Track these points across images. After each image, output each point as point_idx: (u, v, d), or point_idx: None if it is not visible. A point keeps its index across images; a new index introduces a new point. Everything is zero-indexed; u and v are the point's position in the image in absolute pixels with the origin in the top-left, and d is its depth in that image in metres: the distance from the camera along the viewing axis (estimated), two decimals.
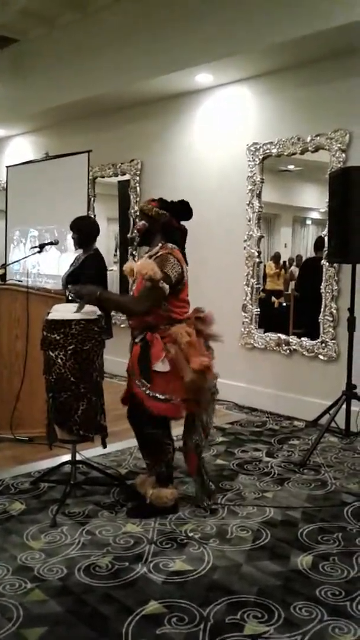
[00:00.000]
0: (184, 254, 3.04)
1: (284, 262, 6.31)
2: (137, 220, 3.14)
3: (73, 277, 4.14)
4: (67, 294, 3.99)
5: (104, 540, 2.70)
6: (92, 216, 6.57)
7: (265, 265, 5.73)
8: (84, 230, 4.22)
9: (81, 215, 4.41)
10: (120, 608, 2.18)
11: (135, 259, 5.99)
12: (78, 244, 4.26)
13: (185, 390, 2.84)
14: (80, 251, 4.33)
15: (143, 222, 3.05)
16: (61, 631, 2.06)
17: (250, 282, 5.21)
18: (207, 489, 3.06)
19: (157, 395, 2.84)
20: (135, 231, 3.13)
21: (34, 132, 7.59)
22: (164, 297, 2.87)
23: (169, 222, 3.02)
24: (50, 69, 6.30)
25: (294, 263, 6.40)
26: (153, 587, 2.32)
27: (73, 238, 4.28)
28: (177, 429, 3.15)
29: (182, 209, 3.06)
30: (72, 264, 4.37)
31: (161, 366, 2.83)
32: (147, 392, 2.85)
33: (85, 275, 3.99)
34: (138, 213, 3.13)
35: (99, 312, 3.03)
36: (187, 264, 3.04)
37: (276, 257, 6.36)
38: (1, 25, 6.11)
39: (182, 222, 3.10)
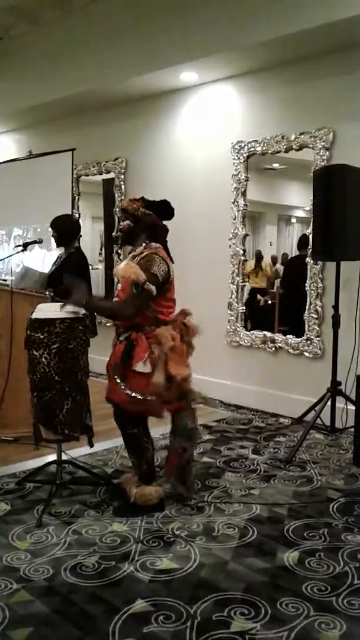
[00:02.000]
0: (168, 252, 3.04)
1: (258, 259, 6.27)
2: (120, 218, 3.11)
3: (55, 276, 4.12)
4: (47, 293, 3.96)
5: (91, 540, 2.69)
6: (77, 214, 6.54)
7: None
8: (62, 229, 4.20)
9: (61, 214, 4.38)
10: (107, 607, 2.18)
11: (121, 258, 5.98)
12: (58, 242, 4.25)
13: (151, 388, 2.83)
14: (63, 250, 4.31)
15: (128, 222, 3.02)
16: (47, 631, 2.05)
17: (235, 280, 5.22)
18: (189, 489, 3.07)
19: (136, 395, 2.83)
20: (119, 230, 3.11)
21: (17, 130, 7.53)
22: (151, 298, 2.86)
23: (154, 222, 3.01)
24: (33, 66, 6.25)
25: (279, 261, 6.40)
26: (140, 586, 2.32)
27: (53, 237, 4.27)
28: (163, 428, 3.15)
29: (165, 209, 3.05)
30: (54, 262, 4.34)
31: (142, 367, 2.82)
32: (126, 391, 2.84)
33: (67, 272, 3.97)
34: (120, 212, 3.10)
35: (84, 311, 3.01)
36: (172, 262, 3.03)
37: (256, 255, 6.35)
38: None
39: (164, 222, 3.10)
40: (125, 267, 2.90)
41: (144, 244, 3.00)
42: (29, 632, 2.03)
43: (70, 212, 5.89)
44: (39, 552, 2.57)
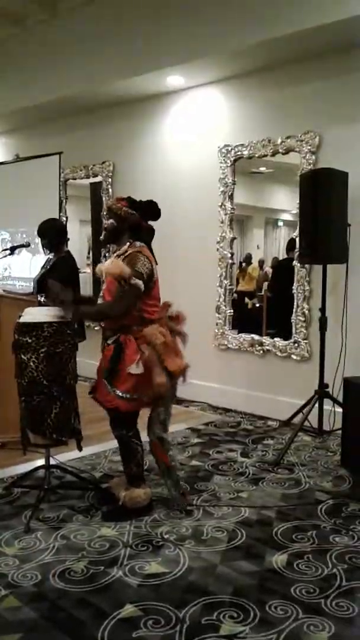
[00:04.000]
0: (152, 253, 3.04)
1: (241, 262, 6.29)
2: (105, 218, 3.12)
3: (44, 280, 4.10)
4: (39, 298, 3.95)
5: (79, 545, 2.68)
6: (65, 218, 6.52)
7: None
8: (49, 234, 4.17)
9: (46, 219, 4.33)
10: (96, 612, 2.17)
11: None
12: (47, 248, 4.22)
13: (153, 390, 2.85)
14: (52, 254, 4.29)
15: (112, 221, 3.03)
16: (36, 637, 2.04)
17: (223, 283, 5.23)
18: (179, 488, 3.07)
19: (126, 395, 2.84)
20: (103, 229, 3.11)
21: (4, 133, 7.50)
22: (139, 294, 2.86)
23: (137, 222, 3.01)
24: (20, 69, 6.23)
25: (267, 264, 6.42)
26: (129, 591, 2.31)
27: (43, 245, 4.23)
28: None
29: (151, 209, 3.05)
30: (43, 266, 4.32)
31: (135, 369, 2.82)
32: (117, 392, 2.85)
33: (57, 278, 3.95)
34: (106, 211, 3.11)
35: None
36: (156, 263, 3.04)
37: (245, 259, 6.37)
38: None
39: (150, 222, 3.10)
40: (111, 263, 2.91)
41: (128, 243, 3.01)
42: (18, 638, 2.02)
43: (57, 216, 5.88)
44: (27, 557, 2.56)
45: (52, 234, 4.18)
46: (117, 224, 3.02)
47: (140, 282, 2.83)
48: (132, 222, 3.00)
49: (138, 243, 2.99)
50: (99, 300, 3.07)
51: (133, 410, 2.94)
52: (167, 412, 3.05)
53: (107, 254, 6.14)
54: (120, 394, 2.84)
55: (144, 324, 2.92)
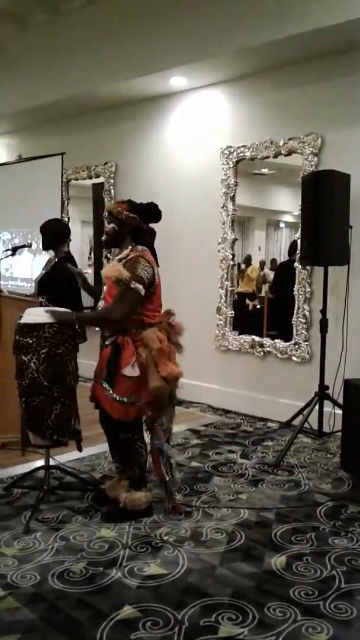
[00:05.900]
0: (154, 256, 3.04)
1: (239, 264, 6.28)
2: (106, 221, 3.09)
3: (45, 280, 4.10)
4: (40, 299, 3.95)
5: (78, 546, 2.68)
6: (67, 219, 6.52)
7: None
8: (46, 233, 4.18)
9: (49, 219, 4.33)
10: (95, 613, 2.17)
11: (110, 262, 5.97)
12: (43, 245, 4.23)
13: (149, 395, 2.84)
14: (53, 254, 4.29)
15: (112, 225, 3.01)
16: (35, 638, 2.04)
17: (224, 284, 5.23)
18: (172, 500, 3.05)
19: (123, 399, 2.83)
20: (104, 233, 3.10)
21: (6, 134, 7.52)
22: (139, 298, 2.85)
23: (138, 225, 3.00)
24: (23, 70, 6.24)
25: (267, 266, 6.42)
26: (127, 592, 2.31)
27: (42, 241, 4.25)
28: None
29: (151, 212, 3.04)
30: (45, 266, 4.32)
31: (130, 370, 2.82)
32: (113, 395, 2.84)
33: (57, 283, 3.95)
34: (106, 214, 3.09)
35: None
36: (158, 266, 3.03)
37: (245, 260, 6.37)
38: None
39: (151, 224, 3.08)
40: (109, 267, 2.90)
41: (130, 247, 2.99)
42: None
43: (59, 216, 5.88)
44: (26, 558, 2.56)
45: (49, 232, 4.19)
46: (118, 228, 3.00)
47: (140, 287, 2.82)
48: (133, 226, 2.99)
49: (140, 247, 2.98)
50: (100, 303, 3.05)
51: (125, 418, 2.88)
52: (169, 420, 3.03)
53: (108, 255, 6.14)
54: (116, 397, 2.84)
55: (143, 327, 2.92)
